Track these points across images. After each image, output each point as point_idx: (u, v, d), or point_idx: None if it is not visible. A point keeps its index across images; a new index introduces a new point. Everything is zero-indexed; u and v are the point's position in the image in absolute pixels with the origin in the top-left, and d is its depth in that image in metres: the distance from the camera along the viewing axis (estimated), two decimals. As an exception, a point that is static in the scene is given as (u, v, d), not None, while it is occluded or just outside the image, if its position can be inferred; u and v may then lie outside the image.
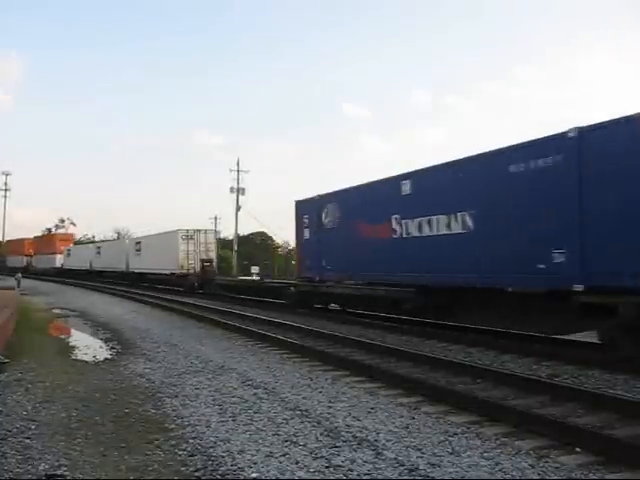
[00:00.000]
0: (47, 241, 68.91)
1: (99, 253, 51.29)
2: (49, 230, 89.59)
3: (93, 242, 71.07)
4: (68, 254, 59.67)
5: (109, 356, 11.77)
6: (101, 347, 13.29)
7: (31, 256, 71.13)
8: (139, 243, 41.97)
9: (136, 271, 40.83)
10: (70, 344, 13.73)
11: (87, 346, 13.47)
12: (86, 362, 11.00)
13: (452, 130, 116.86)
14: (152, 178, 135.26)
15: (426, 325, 14.41)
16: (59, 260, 60.66)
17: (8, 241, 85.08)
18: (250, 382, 8.62)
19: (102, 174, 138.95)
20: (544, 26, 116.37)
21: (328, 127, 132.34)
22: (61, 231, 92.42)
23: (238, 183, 54.76)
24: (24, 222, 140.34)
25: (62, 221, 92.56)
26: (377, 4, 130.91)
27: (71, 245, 64.19)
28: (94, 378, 9.13)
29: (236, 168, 55.14)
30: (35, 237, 75.05)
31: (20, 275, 41.39)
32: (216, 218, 65.93)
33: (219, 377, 9.06)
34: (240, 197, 54.73)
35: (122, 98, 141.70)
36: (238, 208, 54.53)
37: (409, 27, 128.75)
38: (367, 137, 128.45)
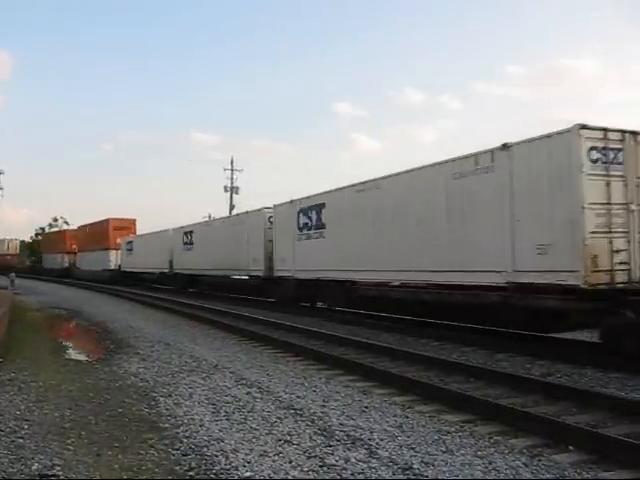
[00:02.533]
0: (96, 231, 46.57)
1: (190, 244, 28.97)
2: (42, 229, 78.55)
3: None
4: (129, 249, 39.27)
5: (102, 355, 11.73)
6: (95, 346, 13.26)
7: (74, 254, 52.04)
8: (318, 208, 18.08)
9: (325, 277, 17.54)
10: (63, 343, 13.69)
11: (81, 345, 13.45)
12: (80, 361, 10.97)
13: (445, 129, 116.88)
14: (145, 177, 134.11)
15: (421, 324, 14.38)
16: (114, 258, 41.99)
17: (44, 234, 68.89)
18: (244, 381, 8.61)
19: (94, 173, 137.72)
20: (537, 25, 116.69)
21: (321, 126, 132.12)
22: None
23: (232, 182, 54.51)
24: (16, 222, 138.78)
25: (55, 220, 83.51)
26: (369, 4, 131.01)
27: (132, 236, 41.87)
28: (87, 378, 9.10)
29: (230, 167, 54.97)
30: (80, 227, 53.36)
31: (14, 274, 38.20)
32: (210, 217, 65.62)
33: (213, 376, 9.05)
34: (234, 196, 54.45)
35: (114, 96, 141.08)
36: (232, 207, 54.39)
37: (401, 26, 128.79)
38: (360, 136, 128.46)
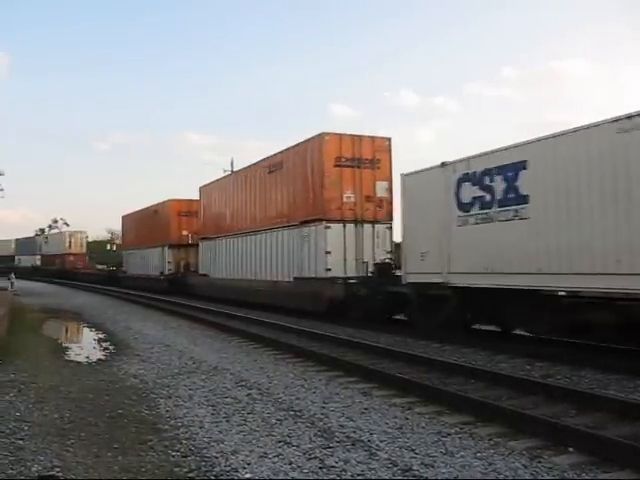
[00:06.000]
0: (262, 180, 21.15)
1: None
2: (42, 231, 72.31)
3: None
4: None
5: (102, 357, 11.73)
6: (94, 347, 13.26)
7: (189, 247, 28.92)
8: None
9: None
10: (63, 345, 13.69)
11: (80, 347, 13.44)
12: (79, 363, 10.97)
13: (442, 130, 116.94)
14: (141, 178, 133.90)
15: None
16: (322, 249, 17.11)
17: (127, 216, 37.73)
18: (244, 383, 8.61)
19: (90, 174, 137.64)
20: (531, 27, 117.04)
21: (318, 127, 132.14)
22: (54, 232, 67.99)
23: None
24: (13, 223, 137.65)
25: (55, 221, 79.44)
26: (362, 5, 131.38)
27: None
28: (87, 379, 9.10)
29: (229, 169, 54.85)
30: (203, 186, 27.47)
31: (14, 275, 35.24)
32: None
33: (213, 378, 9.05)
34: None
35: (109, 96, 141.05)
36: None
37: (395, 28, 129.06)
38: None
